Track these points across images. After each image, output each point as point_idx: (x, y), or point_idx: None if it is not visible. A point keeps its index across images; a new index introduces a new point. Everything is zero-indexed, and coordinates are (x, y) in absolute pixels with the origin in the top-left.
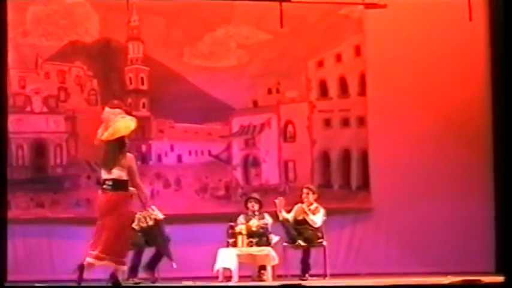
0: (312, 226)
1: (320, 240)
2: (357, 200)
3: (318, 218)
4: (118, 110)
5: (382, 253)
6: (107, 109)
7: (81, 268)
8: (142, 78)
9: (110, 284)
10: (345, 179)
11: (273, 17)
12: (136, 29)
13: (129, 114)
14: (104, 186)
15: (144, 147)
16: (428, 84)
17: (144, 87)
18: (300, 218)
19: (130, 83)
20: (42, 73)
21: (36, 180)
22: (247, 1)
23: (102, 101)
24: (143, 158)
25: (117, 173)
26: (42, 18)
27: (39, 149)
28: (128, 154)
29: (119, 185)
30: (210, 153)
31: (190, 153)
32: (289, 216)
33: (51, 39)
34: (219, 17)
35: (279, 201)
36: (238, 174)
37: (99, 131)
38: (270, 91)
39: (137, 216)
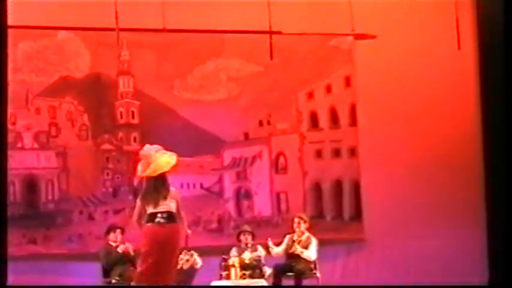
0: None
1: (313, 272)
2: (349, 230)
3: (311, 252)
4: (157, 147)
5: (375, 283)
6: (147, 146)
7: None
8: (133, 112)
9: None
10: (337, 210)
11: (263, 49)
12: (126, 63)
13: (120, 148)
14: (157, 220)
15: (136, 181)
16: (419, 115)
17: (135, 121)
18: (291, 251)
19: (121, 117)
20: (32, 109)
21: (29, 216)
22: (237, 34)
23: (93, 135)
24: (135, 192)
25: (169, 205)
26: (33, 54)
27: (31, 185)
28: (172, 188)
29: (172, 217)
30: (202, 186)
31: (182, 185)
32: (280, 250)
33: (42, 75)
34: (209, 50)
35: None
36: (231, 206)
37: (139, 167)
38: (261, 123)
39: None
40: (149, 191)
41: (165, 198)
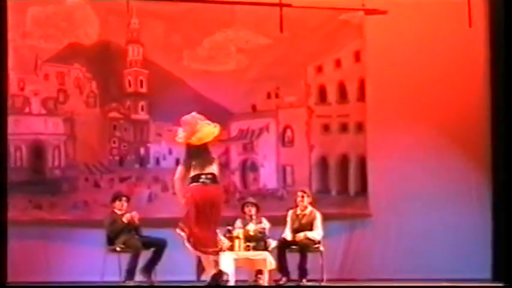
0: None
1: (317, 246)
2: (354, 206)
3: (316, 233)
4: (201, 117)
5: (379, 259)
6: (193, 114)
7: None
8: (141, 81)
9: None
10: (343, 185)
11: (273, 21)
12: (136, 32)
13: (128, 117)
14: (202, 180)
15: (142, 150)
16: (428, 91)
17: (143, 90)
18: (295, 226)
19: (130, 86)
20: (41, 75)
21: (35, 182)
22: (247, 5)
23: (101, 103)
24: (141, 161)
25: (213, 169)
26: (42, 20)
27: (38, 151)
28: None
29: (216, 179)
30: None
31: None
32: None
33: (51, 41)
34: (219, 21)
35: None
36: (236, 178)
37: (182, 133)
38: (269, 96)
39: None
40: (193, 156)
41: (210, 163)
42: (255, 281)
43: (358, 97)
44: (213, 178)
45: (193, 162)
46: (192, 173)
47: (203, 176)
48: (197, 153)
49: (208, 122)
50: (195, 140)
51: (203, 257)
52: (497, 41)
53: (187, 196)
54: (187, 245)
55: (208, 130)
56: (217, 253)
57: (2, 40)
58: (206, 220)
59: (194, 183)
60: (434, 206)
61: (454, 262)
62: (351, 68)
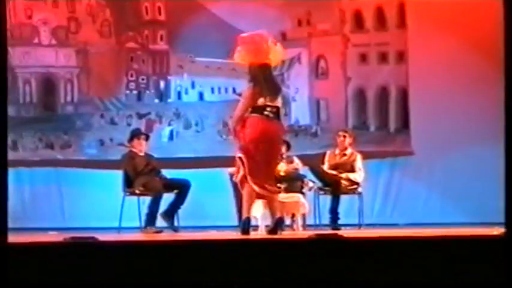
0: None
1: (355, 187)
2: (395, 143)
3: (358, 174)
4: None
5: (421, 201)
6: (259, 31)
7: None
8: (159, 8)
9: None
10: (383, 120)
11: None
12: None
13: (146, 47)
14: (266, 113)
15: (162, 84)
16: (469, 19)
17: (162, 18)
18: (333, 162)
19: (147, 14)
20: (50, 1)
21: (45, 119)
22: None
23: (116, 32)
24: (161, 95)
25: (279, 101)
26: None
27: (48, 85)
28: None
29: (279, 114)
30: (234, 90)
31: (212, 90)
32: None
33: None
34: None
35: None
36: None
37: (245, 53)
38: (300, 23)
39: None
40: (260, 80)
41: (276, 93)
42: (290, 225)
43: (398, 24)
44: (277, 112)
45: (261, 89)
46: (259, 102)
47: (268, 109)
48: (265, 77)
49: (274, 41)
50: (268, 61)
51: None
52: None
53: (247, 127)
54: (240, 183)
55: (279, 50)
56: (277, 192)
57: None
58: (266, 157)
59: (256, 115)
60: (480, 145)
61: (498, 205)
62: None
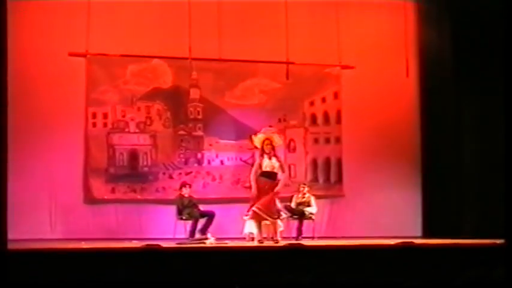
0: (307, 207)
1: (311, 215)
2: (334, 189)
3: (313, 208)
4: (274, 129)
5: (349, 224)
6: (268, 127)
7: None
8: (198, 111)
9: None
10: (327, 176)
11: (282, 72)
12: (195, 80)
13: (190, 134)
14: (266, 175)
15: (199, 155)
16: (382, 119)
17: (200, 116)
18: (299, 201)
19: (191, 114)
20: (135, 107)
21: (131, 175)
22: (266, 63)
23: (173, 125)
24: (199, 162)
25: (274, 167)
26: (136, 72)
27: (133, 155)
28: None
29: (276, 176)
30: (241, 159)
31: (228, 159)
32: (293, 204)
33: (142, 86)
34: (248, 73)
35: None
36: None
37: (258, 139)
38: (279, 120)
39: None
40: (263, 157)
41: (273, 164)
42: (272, 238)
43: (337, 121)
44: (275, 174)
45: (261, 161)
46: (264, 169)
47: (266, 174)
48: (266, 155)
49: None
50: (264, 144)
51: (263, 222)
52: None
53: (258, 185)
54: (255, 214)
55: (276, 138)
56: (277, 218)
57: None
58: (267, 200)
59: (261, 177)
60: (383, 190)
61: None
62: (332, 103)
